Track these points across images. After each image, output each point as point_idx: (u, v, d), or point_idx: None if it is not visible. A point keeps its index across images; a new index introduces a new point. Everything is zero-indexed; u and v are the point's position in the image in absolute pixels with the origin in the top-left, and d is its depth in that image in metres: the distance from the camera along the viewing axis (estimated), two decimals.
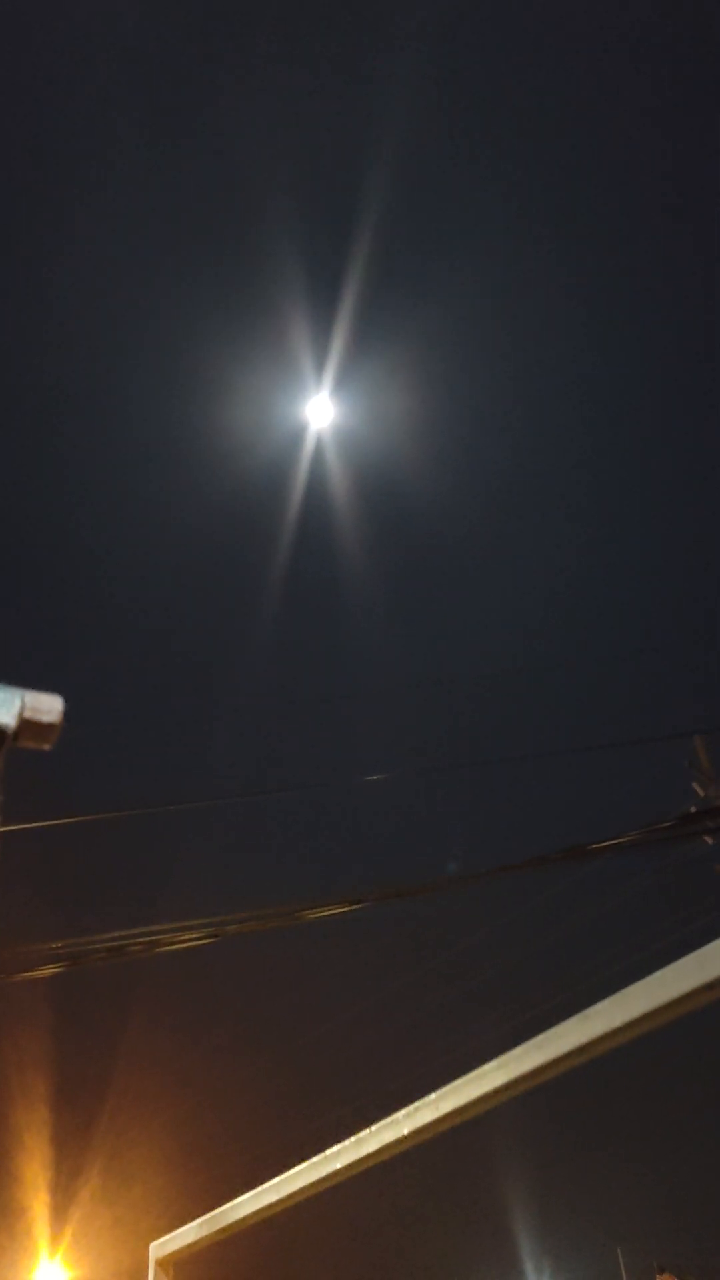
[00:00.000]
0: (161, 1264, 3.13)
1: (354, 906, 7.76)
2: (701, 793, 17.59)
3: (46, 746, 0.99)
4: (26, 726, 1.00)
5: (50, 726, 0.98)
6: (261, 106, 38.08)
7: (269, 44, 37.15)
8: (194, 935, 7.71)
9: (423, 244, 41.52)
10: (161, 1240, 3.17)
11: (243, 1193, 2.90)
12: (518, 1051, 2.05)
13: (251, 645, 43.55)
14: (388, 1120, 2.31)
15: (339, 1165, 2.49)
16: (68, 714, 1.10)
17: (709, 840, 16.79)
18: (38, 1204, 26.20)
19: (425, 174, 39.90)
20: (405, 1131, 2.28)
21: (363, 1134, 2.40)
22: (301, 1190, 2.66)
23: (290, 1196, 2.71)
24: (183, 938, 7.73)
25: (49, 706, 0.99)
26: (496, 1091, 2.08)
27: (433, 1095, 2.19)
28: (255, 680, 43.73)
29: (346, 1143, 2.44)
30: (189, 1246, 3.05)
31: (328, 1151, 2.52)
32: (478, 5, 36.47)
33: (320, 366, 37.63)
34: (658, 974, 1.81)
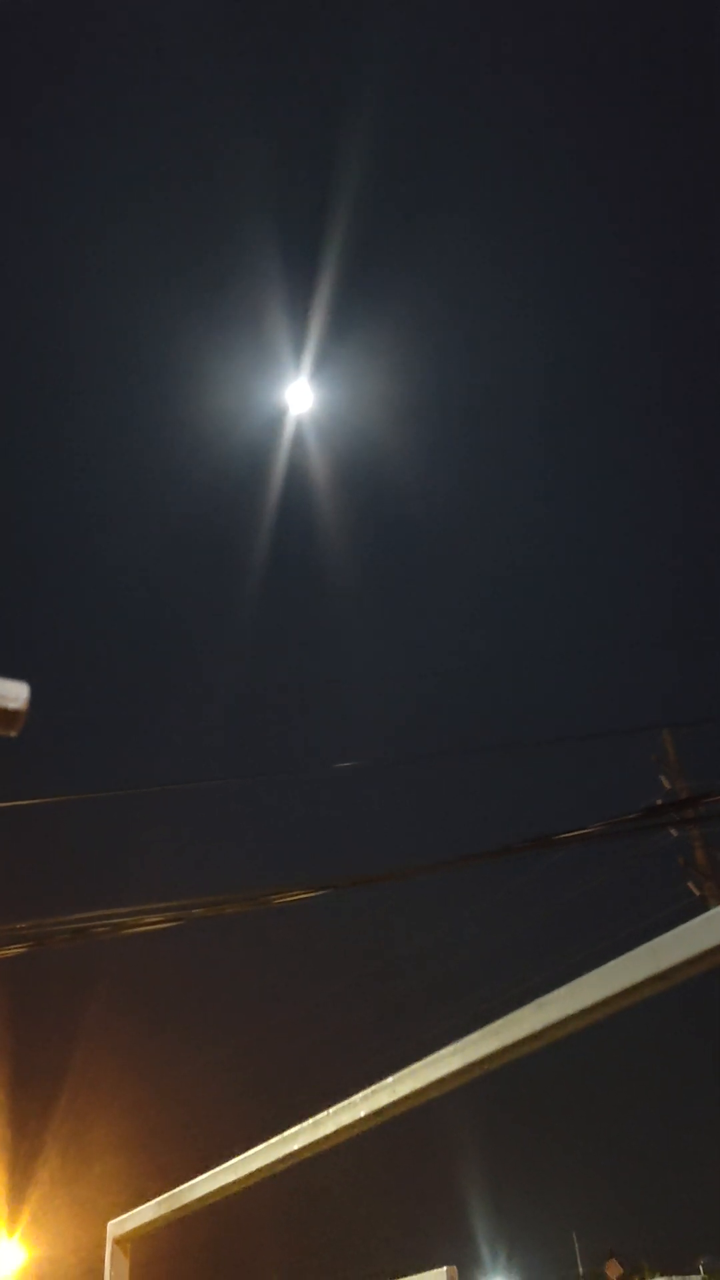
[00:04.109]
0: (119, 1242, 3.15)
1: (319, 892, 7.79)
2: (668, 785, 17.79)
3: (12, 734, 0.96)
4: None
5: (15, 714, 0.96)
6: (241, 99, 37.78)
7: (249, 37, 36.83)
8: (158, 919, 7.71)
9: (400, 232, 41.38)
10: (120, 1219, 3.19)
11: (200, 1174, 2.92)
12: (474, 1037, 2.08)
13: (229, 630, 43.41)
14: (345, 1103, 2.34)
15: (296, 1146, 2.51)
16: (38, 697, 1.07)
17: (674, 832, 16.99)
18: None
19: (402, 164, 39.75)
20: (362, 1114, 2.31)
21: (320, 1116, 2.42)
22: (259, 1170, 2.69)
23: (248, 1176, 2.74)
24: (147, 920, 7.73)
25: (15, 694, 0.97)
26: (452, 1075, 2.11)
27: (389, 1079, 2.22)
28: (230, 666, 43.63)
29: (304, 1124, 2.47)
30: (147, 1225, 3.08)
31: (285, 1133, 2.55)
32: (451, 6, 36.34)
33: (299, 353, 37.54)
34: (611, 964, 1.84)
